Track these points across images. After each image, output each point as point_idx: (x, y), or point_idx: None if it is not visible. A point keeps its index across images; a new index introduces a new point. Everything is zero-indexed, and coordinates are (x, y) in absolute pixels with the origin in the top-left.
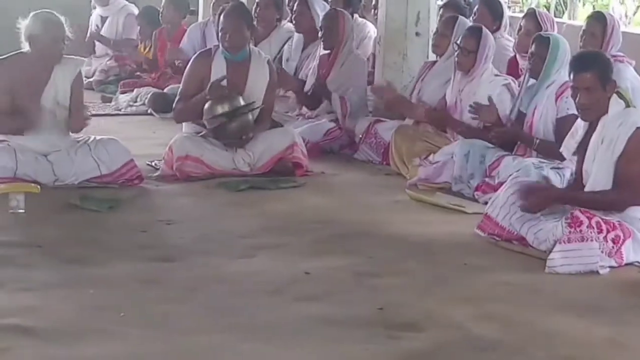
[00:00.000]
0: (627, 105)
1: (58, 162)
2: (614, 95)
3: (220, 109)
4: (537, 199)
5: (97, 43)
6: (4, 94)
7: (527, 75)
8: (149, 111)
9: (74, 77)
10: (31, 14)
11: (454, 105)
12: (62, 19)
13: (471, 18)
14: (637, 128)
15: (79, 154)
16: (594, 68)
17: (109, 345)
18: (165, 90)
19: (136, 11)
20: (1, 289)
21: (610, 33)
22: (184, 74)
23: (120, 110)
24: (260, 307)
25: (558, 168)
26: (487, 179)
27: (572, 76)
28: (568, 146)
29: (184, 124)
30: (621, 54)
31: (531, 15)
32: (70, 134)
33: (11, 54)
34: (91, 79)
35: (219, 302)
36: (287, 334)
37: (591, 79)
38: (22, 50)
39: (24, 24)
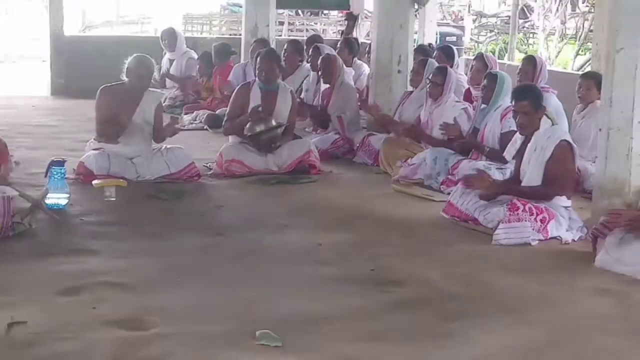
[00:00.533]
0: (553, 124)
1: (140, 164)
2: (544, 116)
3: (258, 128)
4: (486, 187)
5: (167, 79)
6: (108, 109)
7: (480, 101)
8: (205, 127)
9: (157, 104)
10: (132, 56)
11: (426, 123)
12: (152, 60)
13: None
14: (561, 140)
15: (155, 158)
16: (529, 97)
17: (179, 296)
18: (217, 112)
19: (195, 55)
20: (99, 255)
21: (540, 71)
22: (230, 100)
23: (184, 126)
24: (287, 269)
25: (501, 168)
26: (449, 176)
27: (513, 102)
28: (509, 152)
29: (230, 137)
30: (547, 86)
31: (480, 57)
32: (152, 143)
33: (115, 83)
34: (163, 104)
35: (257, 266)
36: (307, 289)
37: (527, 105)
38: (123, 81)
39: (127, 62)
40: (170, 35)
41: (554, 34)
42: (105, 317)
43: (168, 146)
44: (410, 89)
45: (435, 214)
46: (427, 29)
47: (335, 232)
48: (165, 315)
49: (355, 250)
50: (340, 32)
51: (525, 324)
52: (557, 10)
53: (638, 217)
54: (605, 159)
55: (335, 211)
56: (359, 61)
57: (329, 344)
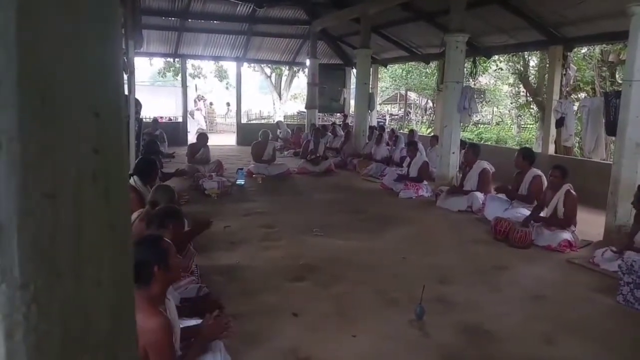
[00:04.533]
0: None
1: (269, 168)
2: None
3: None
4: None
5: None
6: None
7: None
8: None
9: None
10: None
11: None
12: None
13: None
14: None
15: (275, 167)
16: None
17: (285, 216)
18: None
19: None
20: (255, 202)
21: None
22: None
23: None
24: (321, 207)
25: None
26: (381, 177)
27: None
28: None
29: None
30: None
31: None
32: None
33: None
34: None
35: (312, 206)
36: (328, 215)
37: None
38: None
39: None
40: None
41: None
42: (259, 223)
43: (276, 163)
44: (366, 141)
45: (375, 187)
46: (373, 118)
47: (341, 193)
48: (280, 223)
49: (348, 200)
50: (341, 121)
51: (410, 226)
52: None
53: (452, 190)
54: None
55: (341, 187)
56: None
57: (337, 234)
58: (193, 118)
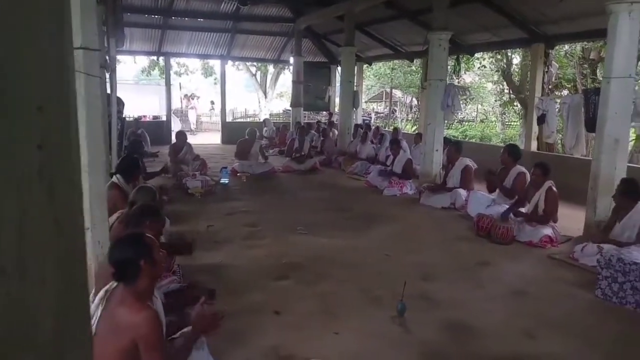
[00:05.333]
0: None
1: (254, 167)
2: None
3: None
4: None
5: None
6: (241, 148)
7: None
8: None
9: (258, 146)
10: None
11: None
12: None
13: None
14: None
15: (259, 165)
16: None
17: (269, 215)
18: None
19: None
20: (240, 200)
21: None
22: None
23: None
24: (307, 205)
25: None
26: (366, 175)
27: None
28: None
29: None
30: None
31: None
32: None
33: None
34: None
35: (297, 204)
36: (313, 213)
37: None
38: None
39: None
40: None
41: None
42: (243, 222)
43: (262, 161)
44: (351, 139)
45: (360, 185)
46: (358, 116)
47: (326, 191)
48: (264, 222)
49: (332, 198)
50: (327, 119)
51: (394, 224)
52: None
53: (435, 187)
54: None
55: (326, 185)
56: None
57: (321, 232)
58: (187, 118)
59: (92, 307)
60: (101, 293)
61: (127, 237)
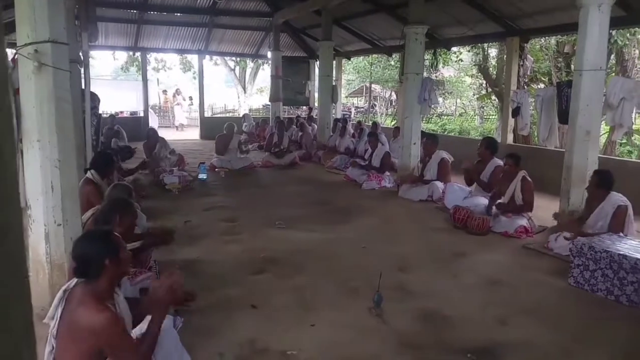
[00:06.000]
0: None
1: (233, 162)
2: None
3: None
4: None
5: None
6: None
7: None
8: None
9: (237, 141)
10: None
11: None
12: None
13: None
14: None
15: (239, 160)
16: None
17: (246, 210)
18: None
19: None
20: (217, 196)
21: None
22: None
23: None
24: (287, 199)
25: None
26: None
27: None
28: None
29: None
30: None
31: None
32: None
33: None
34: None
35: (276, 198)
36: (293, 206)
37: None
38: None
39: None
40: None
41: None
42: (220, 217)
43: (241, 156)
44: (331, 133)
45: (340, 179)
46: (337, 111)
47: (305, 186)
48: (242, 217)
49: (312, 192)
50: (307, 114)
51: (372, 217)
52: None
53: (411, 178)
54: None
55: (305, 179)
56: (312, 124)
57: (300, 226)
58: (173, 115)
59: (52, 307)
60: (60, 293)
61: (93, 233)
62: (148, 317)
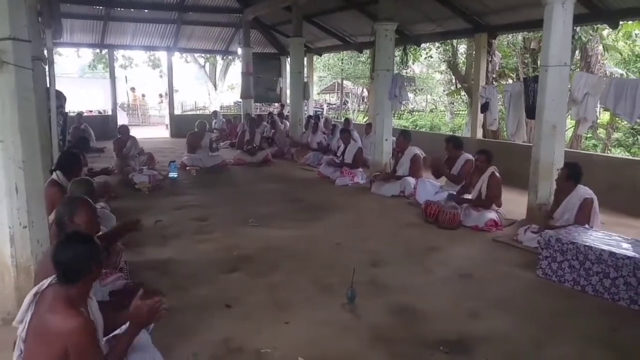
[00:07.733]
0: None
1: (203, 160)
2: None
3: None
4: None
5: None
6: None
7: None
8: None
9: (209, 139)
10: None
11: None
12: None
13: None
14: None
15: (210, 158)
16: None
17: (219, 209)
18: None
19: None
20: (189, 195)
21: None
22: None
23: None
24: (261, 197)
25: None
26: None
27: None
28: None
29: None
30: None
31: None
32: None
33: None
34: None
35: (250, 196)
36: (267, 204)
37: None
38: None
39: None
40: None
41: None
42: (192, 216)
43: (212, 154)
44: (303, 130)
45: (313, 176)
46: (310, 108)
47: (278, 183)
48: (214, 215)
49: (285, 190)
50: (279, 111)
51: (345, 213)
52: None
53: (385, 176)
54: None
55: (278, 176)
56: (285, 121)
57: (273, 224)
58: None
59: (21, 311)
60: (29, 296)
61: (78, 238)
62: (124, 327)
